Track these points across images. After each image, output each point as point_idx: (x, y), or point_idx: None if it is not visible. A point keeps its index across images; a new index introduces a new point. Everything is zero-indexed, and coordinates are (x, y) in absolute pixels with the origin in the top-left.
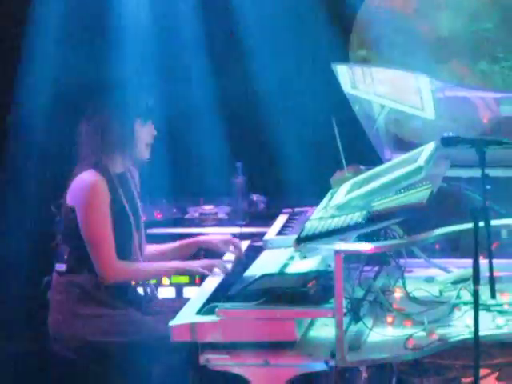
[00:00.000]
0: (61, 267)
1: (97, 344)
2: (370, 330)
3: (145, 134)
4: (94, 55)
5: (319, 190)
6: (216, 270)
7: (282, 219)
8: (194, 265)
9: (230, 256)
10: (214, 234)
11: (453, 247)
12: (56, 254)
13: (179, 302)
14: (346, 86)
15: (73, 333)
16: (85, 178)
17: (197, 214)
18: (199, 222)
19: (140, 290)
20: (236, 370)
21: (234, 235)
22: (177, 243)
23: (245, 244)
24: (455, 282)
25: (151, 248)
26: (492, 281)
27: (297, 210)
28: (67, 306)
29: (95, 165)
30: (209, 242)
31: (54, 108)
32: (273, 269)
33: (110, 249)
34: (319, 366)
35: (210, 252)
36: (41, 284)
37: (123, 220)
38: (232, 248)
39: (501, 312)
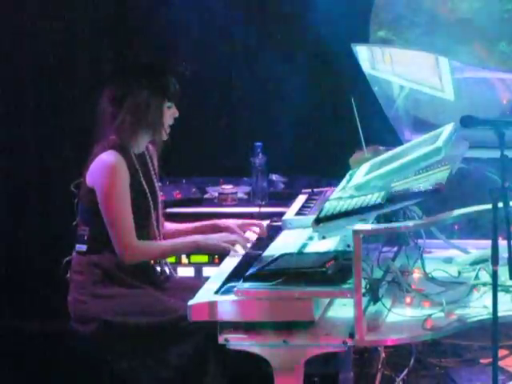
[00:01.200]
0: (81, 248)
1: (117, 324)
2: (389, 310)
3: (169, 116)
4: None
5: (338, 170)
6: (237, 246)
7: (301, 199)
8: (214, 240)
9: (251, 234)
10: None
11: (472, 228)
12: (76, 234)
13: (198, 281)
14: (366, 67)
15: (93, 313)
16: (105, 159)
17: (216, 194)
18: (218, 202)
19: (159, 269)
20: (255, 350)
21: (253, 215)
22: (194, 224)
23: (264, 224)
24: (474, 263)
25: (169, 226)
26: (511, 261)
27: (316, 190)
28: (87, 287)
29: (116, 145)
30: (226, 225)
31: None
32: (291, 249)
33: (130, 229)
34: (338, 346)
35: None
36: (61, 264)
37: (142, 200)
38: (253, 229)
39: None
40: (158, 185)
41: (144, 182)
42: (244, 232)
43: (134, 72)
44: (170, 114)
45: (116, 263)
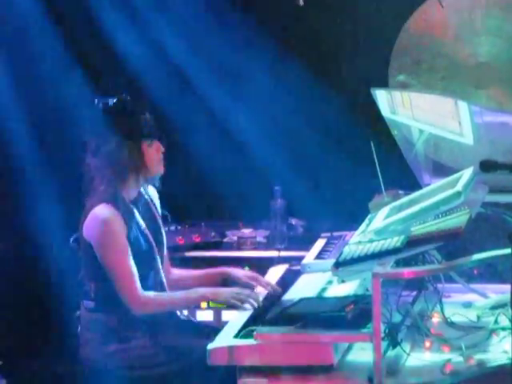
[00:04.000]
0: (88, 304)
1: (132, 377)
2: (408, 354)
3: (153, 152)
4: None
5: (358, 214)
6: (246, 305)
7: (320, 243)
8: (223, 295)
9: (261, 289)
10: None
11: (491, 272)
12: (82, 289)
13: (218, 325)
14: (386, 111)
15: (102, 367)
16: (98, 214)
17: (235, 238)
18: (238, 246)
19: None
20: None
21: (273, 259)
22: (202, 271)
23: (283, 268)
24: (493, 308)
25: (176, 272)
26: None
27: (335, 234)
28: (95, 344)
29: (107, 197)
30: (234, 274)
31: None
32: (311, 293)
33: (134, 281)
34: None
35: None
36: (72, 318)
37: (142, 248)
38: (257, 284)
39: None
40: (162, 227)
41: (143, 228)
42: (254, 286)
43: (104, 118)
44: (154, 150)
45: (125, 321)
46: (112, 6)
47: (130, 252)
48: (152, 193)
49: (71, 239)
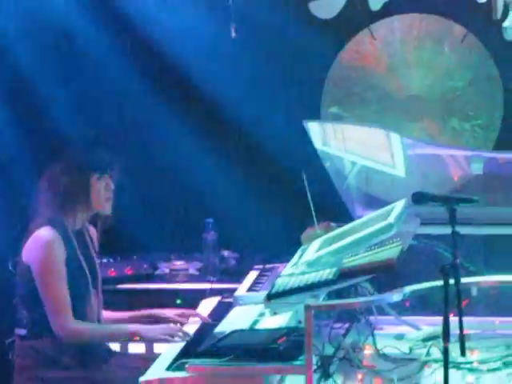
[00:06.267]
0: (20, 332)
1: None
2: None
3: (102, 188)
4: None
5: (290, 246)
6: (176, 338)
7: (252, 275)
8: (153, 332)
9: (194, 319)
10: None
11: (423, 304)
12: (15, 316)
13: (149, 357)
14: (318, 143)
15: None
16: (40, 235)
17: (168, 270)
18: (170, 278)
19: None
20: None
21: (205, 291)
22: (131, 313)
23: (215, 300)
24: (425, 340)
25: (105, 314)
26: (462, 338)
27: (268, 266)
28: (30, 371)
29: (51, 221)
30: (163, 315)
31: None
32: (243, 325)
33: (66, 308)
34: None
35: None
36: (3, 346)
37: (80, 278)
38: (191, 319)
39: (471, 370)
40: (97, 262)
41: (82, 259)
42: (184, 321)
43: (58, 148)
44: (102, 186)
45: (57, 347)
46: None
47: (66, 278)
48: (92, 232)
49: (10, 264)
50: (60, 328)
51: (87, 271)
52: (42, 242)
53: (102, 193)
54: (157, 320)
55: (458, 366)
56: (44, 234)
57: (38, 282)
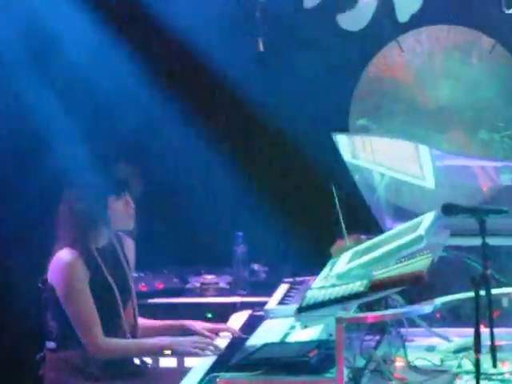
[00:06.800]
0: (50, 345)
1: None
2: None
3: (121, 207)
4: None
5: (320, 259)
6: (207, 351)
7: (283, 289)
8: (184, 345)
9: (225, 334)
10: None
11: (454, 316)
12: (45, 330)
13: (180, 371)
14: (347, 155)
15: None
16: (61, 257)
17: (198, 284)
18: (200, 292)
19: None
20: None
21: (235, 304)
22: (162, 322)
23: (246, 314)
24: (456, 351)
25: (139, 321)
26: (493, 350)
27: (298, 279)
28: (59, 383)
29: (72, 242)
30: (193, 327)
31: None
32: (274, 338)
33: (94, 327)
34: None
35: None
36: (34, 361)
37: (107, 295)
38: (222, 333)
39: (502, 381)
40: (131, 277)
41: (109, 276)
42: (213, 337)
43: (77, 168)
44: (122, 205)
45: (86, 359)
46: None
47: (91, 297)
48: (128, 243)
49: (39, 281)
50: (90, 345)
51: (114, 287)
52: (62, 264)
53: (122, 212)
54: (186, 332)
55: (489, 378)
56: (64, 256)
57: (63, 303)
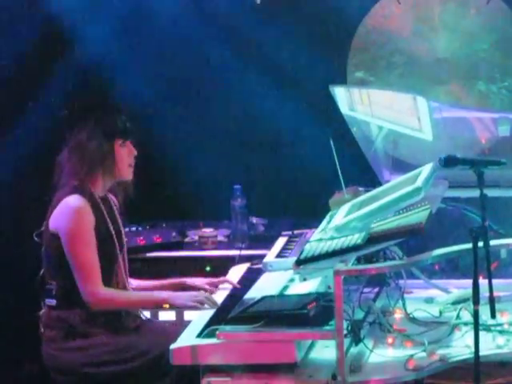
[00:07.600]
0: (50, 302)
1: (91, 375)
2: (371, 351)
3: (125, 154)
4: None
5: (318, 212)
6: (205, 305)
7: (281, 242)
8: (182, 299)
9: (224, 286)
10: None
11: (452, 267)
12: (44, 287)
13: (180, 324)
14: (344, 108)
15: (66, 366)
16: (70, 203)
17: (196, 237)
18: (199, 246)
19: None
20: None
21: (234, 258)
22: (160, 282)
23: (244, 267)
24: (455, 303)
25: (134, 282)
26: (492, 301)
27: (296, 232)
28: (57, 342)
29: (79, 189)
30: (193, 283)
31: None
32: (273, 291)
33: (96, 275)
34: None
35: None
36: (34, 318)
37: (108, 243)
38: (221, 286)
39: (501, 332)
40: (123, 229)
41: (110, 225)
42: (214, 290)
43: (80, 114)
44: (126, 152)
45: (85, 318)
46: None
47: (95, 244)
48: (113, 199)
49: (34, 234)
50: (90, 295)
51: (114, 236)
52: (71, 209)
53: (126, 159)
54: (186, 289)
55: (488, 329)
56: (73, 201)
57: (66, 249)
